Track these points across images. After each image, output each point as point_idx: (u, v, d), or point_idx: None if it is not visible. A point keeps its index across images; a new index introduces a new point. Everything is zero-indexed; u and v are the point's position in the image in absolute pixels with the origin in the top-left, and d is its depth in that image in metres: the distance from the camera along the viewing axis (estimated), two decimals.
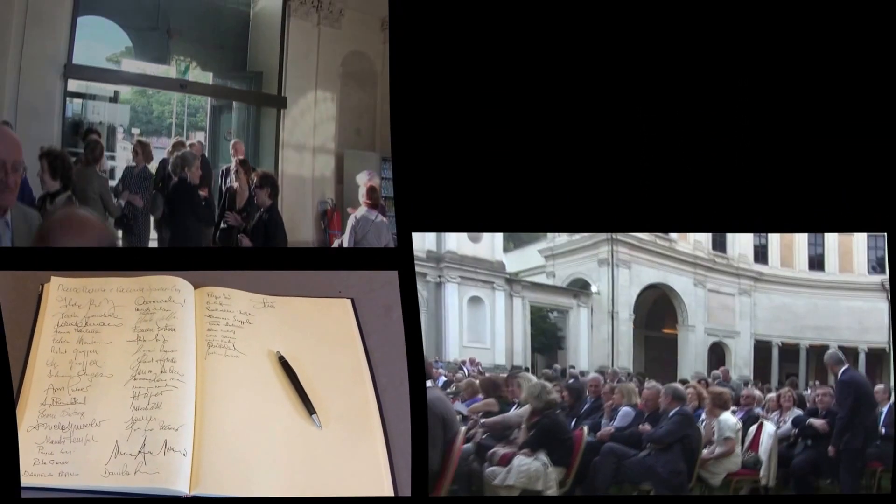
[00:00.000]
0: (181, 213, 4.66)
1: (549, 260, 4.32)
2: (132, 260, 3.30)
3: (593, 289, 4.39)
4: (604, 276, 4.33)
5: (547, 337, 4.55)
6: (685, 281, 4.63)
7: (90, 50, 4.24)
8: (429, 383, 3.36)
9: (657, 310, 4.78)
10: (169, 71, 4.72)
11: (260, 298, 3.17)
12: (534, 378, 4.30)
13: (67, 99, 4.39)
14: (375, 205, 4.83)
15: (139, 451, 2.62)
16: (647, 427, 4.33)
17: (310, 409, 2.83)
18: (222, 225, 4.84)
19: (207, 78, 5.32)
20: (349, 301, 3.21)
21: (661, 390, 4.42)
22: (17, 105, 4.03)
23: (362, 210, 4.77)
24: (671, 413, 4.32)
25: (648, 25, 3.05)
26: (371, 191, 4.87)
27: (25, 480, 2.53)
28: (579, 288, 4.48)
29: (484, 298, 3.90)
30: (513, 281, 4.20)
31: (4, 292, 2.98)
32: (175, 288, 3.09)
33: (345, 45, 4.83)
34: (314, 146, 6.01)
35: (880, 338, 4.02)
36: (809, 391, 4.72)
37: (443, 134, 3.09)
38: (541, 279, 4.30)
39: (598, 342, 4.39)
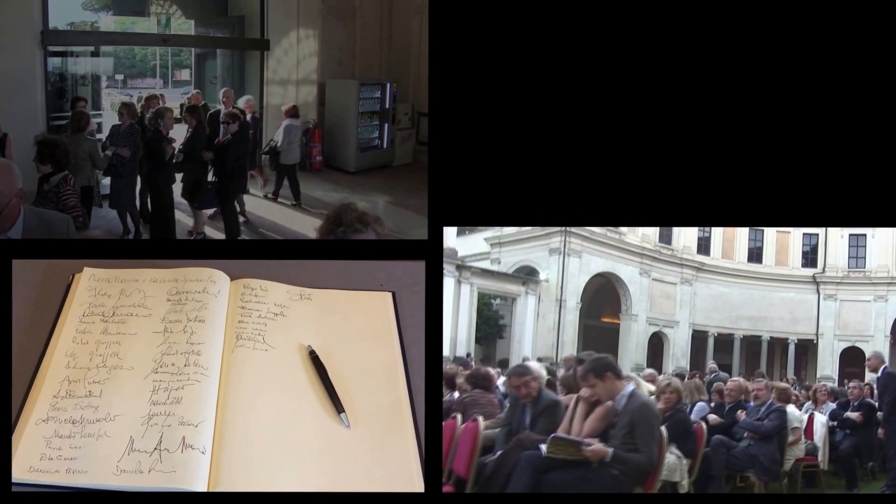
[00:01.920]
0: (157, 154, 5.79)
1: (496, 247, 4.19)
2: (164, 250, 3.01)
3: (542, 276, 4.25)
4: (554, 265, 4.22)
5: (489, 325, 4.39)
6: (631, 270, 4.66)
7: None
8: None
9: (599, 299, 4.82)
10: (149, 24, 4.47)
11: (297, 291, 2.84)
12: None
13: (48, 57, 4.17)
14: (296, 115, 7.29)
15: (155, 448, 2.27)
16: (742, 414, 4.57)
17: (338, 407, 2.45)
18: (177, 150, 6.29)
19: (189, 27, 5.11)
20: (390, 294, 2.87)
21: (746, 385, 4.69)
22: None
23: (288, 120, 7.29)
24: (764, 408, 4.49)
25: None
26: (293, 108, 7.23)
27: (30, 476, 2.20)
28: (525, 275, 4.37)
29: None
30: (463, 267, 4.03)
31: (35, 282, 2.71)
32: (211, 279, 2.77)
33: None
34: (297, 79, 6.03)
35: (809, 329, 4.51)
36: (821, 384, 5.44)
37: (473, 139, 3.08)
38: (485, 265, 4.14)
39: (543, 331, 4.27)
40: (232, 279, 2.80)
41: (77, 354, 2.49)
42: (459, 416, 3.77)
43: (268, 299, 2.76)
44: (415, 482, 2.34)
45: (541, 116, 3.04)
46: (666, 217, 3.17)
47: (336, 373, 2.55)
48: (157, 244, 3.15)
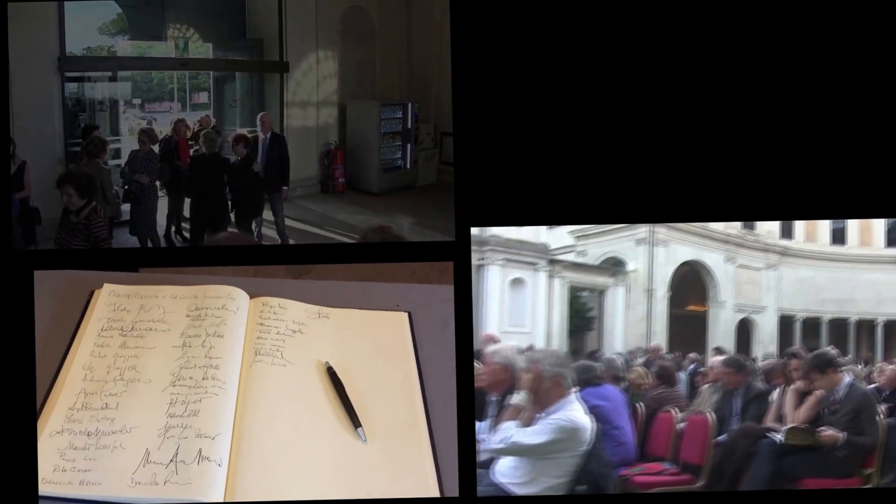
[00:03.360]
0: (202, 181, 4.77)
1: (581, 240, 4.10)
2: (173, 258, 3.01)
3: (630, 267, 4.17)
4: (640, 255, 4.13)
5: (579, 318, 4.33)
6: (716, 257, 4.53)
7: (80, 23, 3.94)
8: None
9: (683, 287, 4.66)
10: (166, 48, 4.42)
11: (315, 309, 2.84)
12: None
13: (65, 83, 4.13)
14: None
15: (171, 461, 2.26)
16: None
17: (355, 422, 2.43)
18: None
19: (207, 50, 5.03)
20: (406, 314, 2.87)
21: None
22: (11, 106, 3.74)
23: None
24: None
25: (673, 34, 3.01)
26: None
27: (43, 489, 2.18)
28: (613, 266, 4.28)
29: (526, 280, 3.64)
30: (555, 261, 3.98)
31: (54, 294, 2.72)
32: (230, 296, 2.78)
33: (342, 2, 4.62)
34: (318, 101, 5.92)
35: None
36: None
37: (499, 136, 3.03)
38: (571, 258, 4.06)
39: (632, 321, 4.21)
40: (251, 297, 2.81)
41: (94, 367, 2.49)
42: (675, 411, 3.91)
43: (286, 317, 2.76)
44: (432, 495, 2.33)
45: (570, 112, 2.99)
46: (709, 213, 3.41)
47: (353, 389, 2.53)
48: (179, 252, 3.14)
